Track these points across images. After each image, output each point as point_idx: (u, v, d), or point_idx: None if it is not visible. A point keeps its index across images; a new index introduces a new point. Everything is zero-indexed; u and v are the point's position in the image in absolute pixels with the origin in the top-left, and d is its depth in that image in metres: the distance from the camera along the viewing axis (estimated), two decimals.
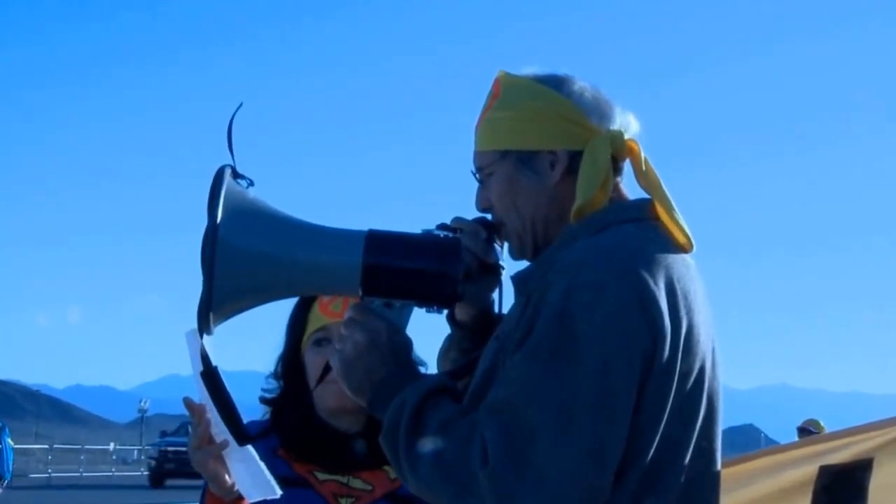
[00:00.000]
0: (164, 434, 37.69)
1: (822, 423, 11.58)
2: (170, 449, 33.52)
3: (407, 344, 1.99)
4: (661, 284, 1.85)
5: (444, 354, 2.21)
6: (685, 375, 1.86)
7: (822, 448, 4.01)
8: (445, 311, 2.12)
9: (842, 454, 3.89)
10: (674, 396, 1.85)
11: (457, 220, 2.10)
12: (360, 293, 1.94)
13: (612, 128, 2.01)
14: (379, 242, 1.92)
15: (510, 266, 2.13)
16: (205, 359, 2.00)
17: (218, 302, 1.88)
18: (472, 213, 2.12)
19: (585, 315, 1.80)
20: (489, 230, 2.09)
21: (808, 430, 11.25)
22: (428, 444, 1.84)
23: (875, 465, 3.76)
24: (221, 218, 1.86)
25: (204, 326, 1.90)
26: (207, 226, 1.85)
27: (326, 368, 2.07)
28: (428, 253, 1.93)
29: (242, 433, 2.10)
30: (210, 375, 2.02)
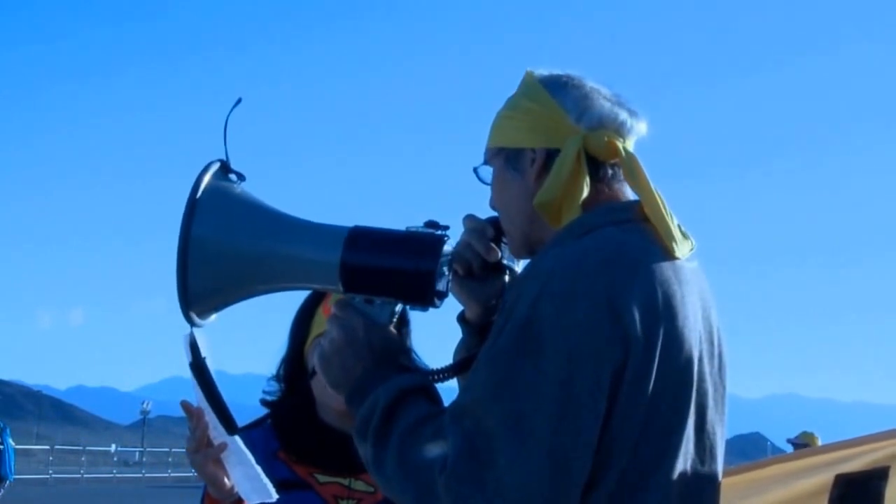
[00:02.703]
0: None
1: (815, 436, 11.38)
2: None
3: (387, 340, 1.96)
4: (636, 291, 1.80)
5: (457, 355, 2.18)
6: (663, 384, 1.81)
7: (837, 456, 3.96)
8: (458, 311, 2.11)
9: (857, 462, 3.85)
10: (651, 406, 1.80)
11: (468, 217, 2.09)
12: (341, 290, 1.93)
13: (593, 126, 1.97)
14: (359, 239, 1.91)
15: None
16: (193, 349, 1.99)
17: (194, 297, 1.88)
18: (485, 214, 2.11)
19: (551, 323, 1.76)
20: (498, 229, 2.07)
21: (798, 445, 10.98)
22: (394, 445, 1.83)
23: (891, 473, 3.71)
24: (197, 212, 1.86)
25: (187, 320, 1.90)
26: (182, 220, 1.85)
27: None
28: (405, 251, 1.91)
29: (232, 423, 2.08)
30: (198, 367, 2.00)
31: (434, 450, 1.78)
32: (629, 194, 2.00)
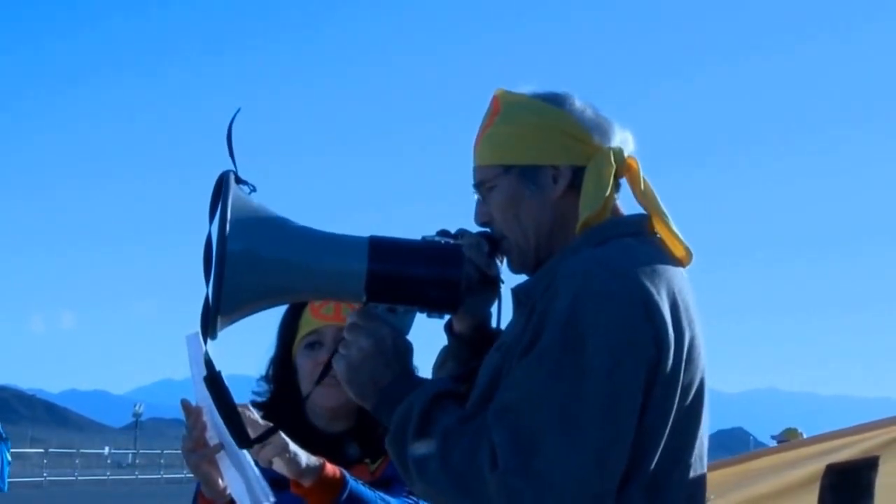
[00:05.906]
0: None
1: (798, 431, 11.38)
2: None
3: (409, 349, 2.02)
4: (664, 295, 1.91)
5: (440, 365, 2.24)
6: (687, 388, 1.92)
7: (828, 446, 4.06)
8: (445, 319, 2.16)
9: (847, 452, 3.94)
10: (676, 409, 1.90)
11: (461, 231, 2.14)
12: (364, 299, 1.98)
13: (612, 145, 2.06)
14: (382, 249, 1.95)
15: (509, 280, 2.16)
16: (208, 363, 2.00)
17: (226, 308, 1.89)
18: (469, 222, 2.15)
19: (591, 322, 1.84)
20: (491, 244, 2.12)
21: (782, 441, 10.98)
22: (435, 448, 1.87)
23: (881, 462, 3.82)
24: (230, 224, 1.86)
25: (210, 332, 1.91)
26: (217, 233, 1.86)
27: (325, 370, 2.08)
28: (430, 259, 1.97)
29: (245, 437, 2.10)
30: (213, 380, 2.02)
31: (478, 449, 1.83)
32: (623, 208, 2.09)
